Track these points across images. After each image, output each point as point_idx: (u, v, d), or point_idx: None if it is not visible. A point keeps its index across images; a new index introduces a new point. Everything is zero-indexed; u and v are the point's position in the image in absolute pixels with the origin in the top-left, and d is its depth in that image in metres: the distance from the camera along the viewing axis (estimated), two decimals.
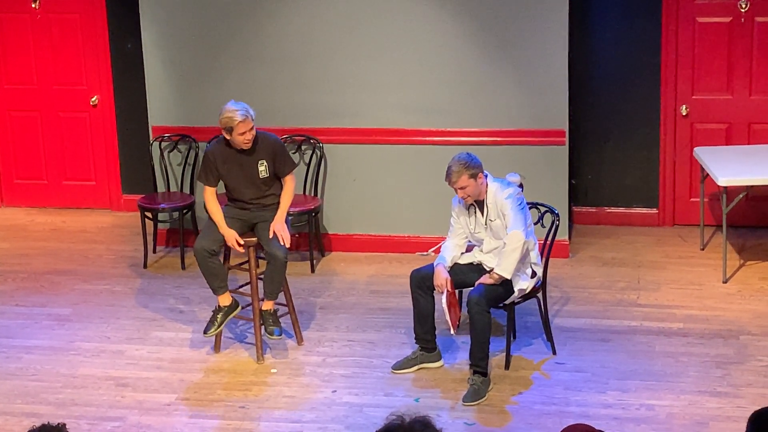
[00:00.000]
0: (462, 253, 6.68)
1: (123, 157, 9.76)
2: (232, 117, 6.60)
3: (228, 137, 6.70)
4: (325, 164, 8.65)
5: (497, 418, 6.11)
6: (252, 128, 6.67)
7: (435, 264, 6.55)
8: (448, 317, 6.39)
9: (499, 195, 6.45)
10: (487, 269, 6.52)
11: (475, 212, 6.57)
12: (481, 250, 6.63)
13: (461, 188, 6.40)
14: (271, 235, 6.74)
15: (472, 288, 6.45)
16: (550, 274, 7.25)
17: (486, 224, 6.54)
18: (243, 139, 6.67)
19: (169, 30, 8.60)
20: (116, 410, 6.30)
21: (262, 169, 6.81)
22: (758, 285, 7.80)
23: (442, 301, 6.40)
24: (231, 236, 6.77)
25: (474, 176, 6.37)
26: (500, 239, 6.47)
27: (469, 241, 6.71)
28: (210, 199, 6.88)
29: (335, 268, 8.45)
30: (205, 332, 6.87)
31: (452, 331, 6.50)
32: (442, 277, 6.43)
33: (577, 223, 9.11)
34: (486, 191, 6.48)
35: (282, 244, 6.73)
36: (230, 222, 6.84)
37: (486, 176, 6.49)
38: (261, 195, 6.87)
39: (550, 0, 8.06)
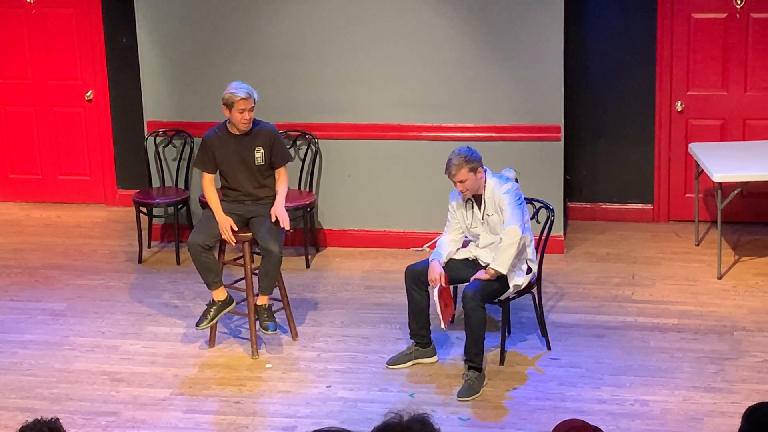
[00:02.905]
0: (458, 249, 6.68)
1: (118, 152, 9.75)
2: (234, 92, 6.71)
3: (228, 114, 6.75)
4: (320, 159, 8.64)
5: (492, 414, 6.11)
6: (252, 108, 6.74)
7: (430, 259, 6.55)
8: (439, 311, 6.37)
9: (497, 190, 6.44)
10: (483, 264, 6.52)
11: (473, 207, 6.56)
12: (477, 245, 6.62)
13: (460, 182, 6.39)
14: (273, 219, 6.75)
15: (467, 283, 6.45)
16: (545, 270, 7.26)
17: (483, 219, 6.53)
18: (242, 118, 6.72)
19: (164, 25, 8.59)
20: (111, 405, 6.30)
21: (259, 155, 6.83)
22: (753, 281, 7.80)
23: (434, 295, 6.40)
24: (226, 222, 6.77)
25: (474, 170, 6.37)
26: (497, 234, 6.47)
27: (465, 237, 6.71)
28: (208, 186, 6.90)
29: (330, 263, 8.45)
30: (197, 325, 6.87)
31: (443, 326, 6.48)
32: (436, 272, 6.43)
33: (572, 218, 9.11)
34: (484, 186, 6.48)
35: (283, 227, 6.75)
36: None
37: (485, 171, 6.48)
38: (256, 185, 6.87)
39: None
